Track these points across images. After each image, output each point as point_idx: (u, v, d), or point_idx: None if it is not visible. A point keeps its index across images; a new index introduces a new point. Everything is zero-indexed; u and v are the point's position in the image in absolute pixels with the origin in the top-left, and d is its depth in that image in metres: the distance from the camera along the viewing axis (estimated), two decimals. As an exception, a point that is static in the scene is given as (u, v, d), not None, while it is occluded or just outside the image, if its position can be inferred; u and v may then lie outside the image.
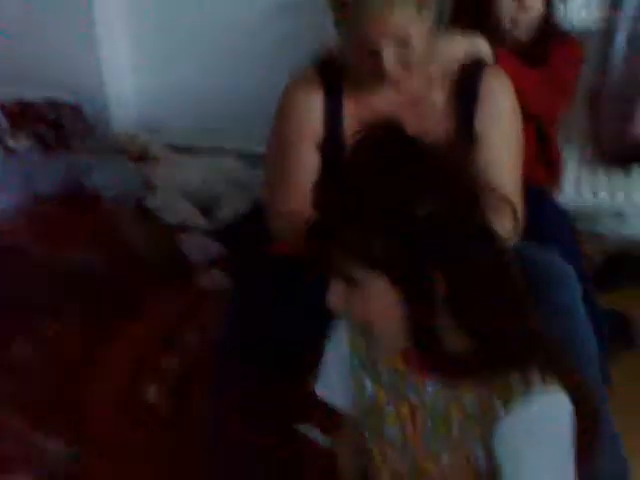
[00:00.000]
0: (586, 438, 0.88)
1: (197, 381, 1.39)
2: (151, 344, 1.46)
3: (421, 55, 1.24)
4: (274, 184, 1.42)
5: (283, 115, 1.41)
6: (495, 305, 0.87)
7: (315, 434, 1.27)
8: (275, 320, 1.28)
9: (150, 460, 1.30)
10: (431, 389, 0.96)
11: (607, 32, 1.91)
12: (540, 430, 0.86)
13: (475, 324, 0.87)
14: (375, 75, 1.27)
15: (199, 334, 1.49)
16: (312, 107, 1.38)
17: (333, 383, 1.10)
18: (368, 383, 1.04)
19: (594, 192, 2.13)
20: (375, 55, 1.22)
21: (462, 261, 0.85)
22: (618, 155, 2.03)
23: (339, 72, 1.38)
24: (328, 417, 1.27)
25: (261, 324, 1.28)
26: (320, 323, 1.18)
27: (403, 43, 1.21)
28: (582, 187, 2.10)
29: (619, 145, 1.99)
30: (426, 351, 0.90)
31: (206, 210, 1.98)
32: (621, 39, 1.88)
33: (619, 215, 2.22)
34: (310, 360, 1.28)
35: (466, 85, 1.33)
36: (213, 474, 1.28)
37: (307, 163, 1.37)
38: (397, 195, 0.83)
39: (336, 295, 0.91)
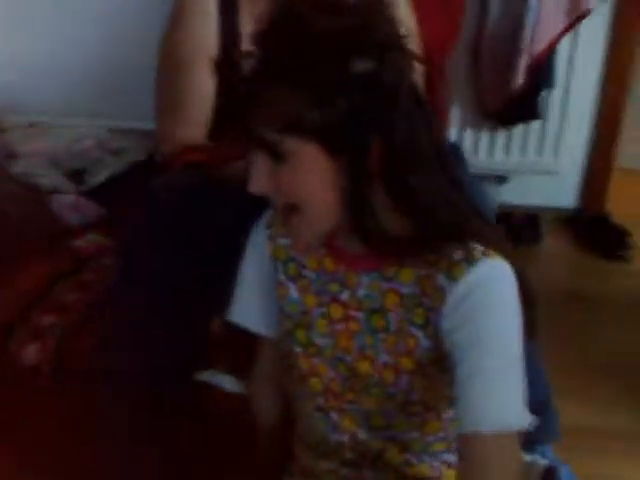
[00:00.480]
0: (526, 312, 0.83)
1: (80, 340, 1.25)
2: (24, 306, 1.29)
3: None
4: (166, 107, 1.32)
5: (172, 35, 1.33)
6: (432, 180, 0.82)
7: (221, 380, 1.17)
8: (171, 262, 1.17)
9: (33, 424, 1.15)
10: (365, 281, 0.90)
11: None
12: (488, 291, 0.82)
13: (412, 200, 0.82)
14: None
15: (78, 294, 1.33)
16: (206, 22, 1.30)
17: (250, 305, 1.03)
18: (294, 291, 0.96)
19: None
20: None
21: (400, 130, 0.79)
22: (500, 113, 2.09)
23: None
24: (236, 357, 1.19)
25: (156, 270, 1.16)
26: (228, 251, 1.10)
27: None
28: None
29: (500, 102, 2.05)
30: (363, 230, 0.84)
31: (79, 176, 1.78)
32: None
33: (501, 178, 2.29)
34: (213, 299, 1.19)
35: None
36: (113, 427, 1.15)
37: (202, 86, 1.29)
38: (327, 50, 0.76)
39: (260, 175, 0.83)
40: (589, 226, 2.30)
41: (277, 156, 0.81)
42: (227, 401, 1.16)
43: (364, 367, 0.91)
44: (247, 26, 1.31)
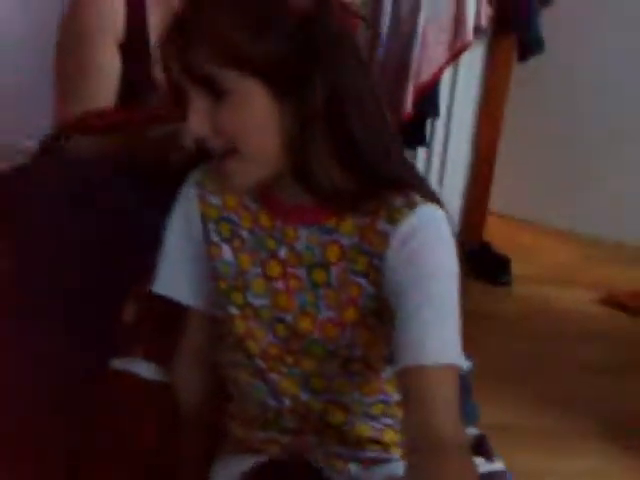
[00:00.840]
0: None
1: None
2: None
3: None
4: (70, 92, 1.23)
5: (77, 9, 1.25)
6: (375, 131, 0.83)
7: (138, 367, 1.05)
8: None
9: None
10: (304, 235, 0.87)
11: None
12: (429, 232, 0.82)
13: (356, 149, 0.81)
14: None
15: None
16: (112, 4, 1.24)
17: (177, 274, 0.96)
18: (227, 252, 0.91)
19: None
20: None
21: (343, 74, 0.80)
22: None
23: None
24: (153, 343, 1.10)
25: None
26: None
27: None
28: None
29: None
30: (306, 176, 0.82)
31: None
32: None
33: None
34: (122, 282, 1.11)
35: None
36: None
37: (110, 65, 1.23)
38: None
39: (199, 115, 0.80)
40: (471, 255, 2.40)
41: (217, 93, 0.79)
42: (145, 388, 1.05)
43: (305, 325, 0.88)
44: (153, 17, 1.27)
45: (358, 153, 0.82)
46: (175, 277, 0.97)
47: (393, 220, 0.82)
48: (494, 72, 2.28)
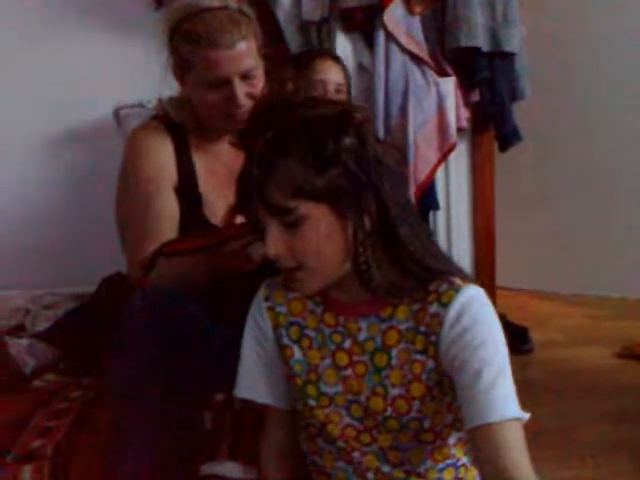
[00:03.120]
0: None
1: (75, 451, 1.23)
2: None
3: (262, 88, 1.40)
4: (137, 236, 1.37)
5: (138, 161, 1.42)
6: (416, 232, 1.01)
7: (226, 469, 1.18)
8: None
9: None
10: (364, 326, 1.04)
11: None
12: (476, 308, 0.98)
13: (403, 250, 0.99)
14: (227, 114, 1.39)
15: (56, 421, 1.31)
16: (165, 152, 1.43)
17: (256, 378, 1.12)
18: (298, 352, 1.08)
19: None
20: (227, 89, 1.36)
21: (386, 190, 0.98)
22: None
23: (179, 126, 1.47)
24: (237, 445, 1.22)
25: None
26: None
27: (249, 74, 1.37)
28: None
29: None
30: (369, 280, 0.99)
31: (19, 331, 1.79)
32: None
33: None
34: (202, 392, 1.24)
35: None
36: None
37: (170, 207, 1.39)
38: (322, 130, 0.96)
39: (274, 241, 0.98)
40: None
41: (291, 221, 0.97)
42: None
43: (377, 403, 1.03)
44: (198, 158, 1.46)
45: (406, 252, 0.99)
46: (254, 381, 1.12)
47: (443, 303, 0.98)
48: (479, 162, 2.52)
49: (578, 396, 2.13)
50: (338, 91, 1.86)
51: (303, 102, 1.01)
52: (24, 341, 1.60)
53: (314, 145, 0.96)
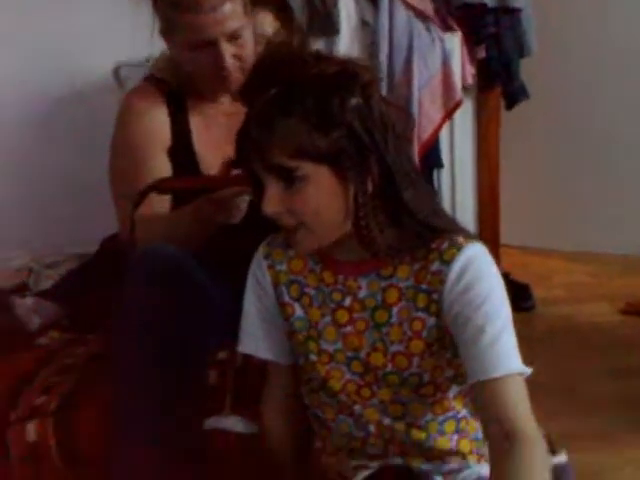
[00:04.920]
0: None
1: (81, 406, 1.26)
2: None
3: (251, 50, 1.38)
4: (126, 193, 1.36)
5: (128, 125, 1.43)
6: (420, 193, 0.99)
7: (230, 423, 1.21)
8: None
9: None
10: (364, 284, 1.04)
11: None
12: (478, 266, 0.98)
13: (406, 212, 0.98)
14: (215, 75, 1.37)
15: (60, 377, 1.34)
16: (158, 115, 1.43)
17: (258, 334, 1.12)
18: (299, 309, 1.08)
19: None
20: (213, 50, 1.34)
21: (390, 151, 0.97)
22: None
23: (174, 87, 1.46)
24: (240, 400, 1.24)
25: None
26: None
27: (235, 35, 1.35)
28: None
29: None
30: (369, 242, 0.98)
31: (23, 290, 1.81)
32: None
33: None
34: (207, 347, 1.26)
35: None
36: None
37: (161, 166, 1.40)
38: (327, 89, 0.94)
39: (273, 199, 0.97)
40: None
41: (290, 180, 0.95)
42: (240, 443, 1.20)
43: (377, 359, 1.03)
44: (194, 119, 1.45)
45: (410, 215, 0.98)
46: (256, 337, 1.12)
47: (445, 261, 0.98)
48: (485, 121, 2.50)
49: (579, 351, 2.15)
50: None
51: (308, 58, 0.98)
52: (29, 300, 1.61)
53: (318, 105, 0.94)
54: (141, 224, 1.27)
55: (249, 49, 1.39)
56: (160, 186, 1.21)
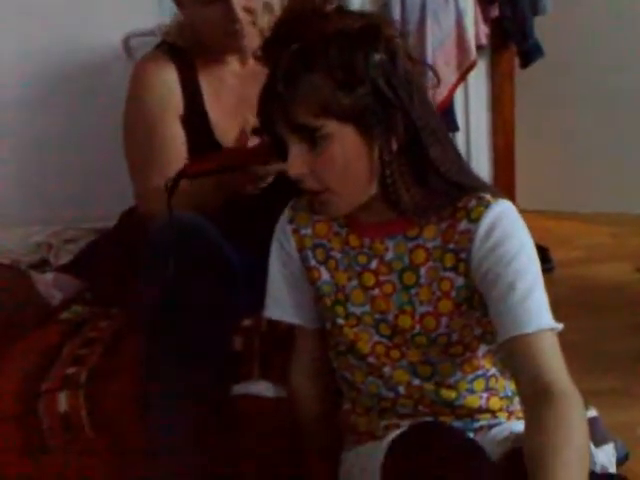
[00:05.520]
0: None
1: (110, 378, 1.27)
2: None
3: (262, 4, 1.35)
4: (143, 165, 1.38)
5: (141, 93, 1.42)
6: (445, 150, 0.98)
7: (258, 388, 1.22)
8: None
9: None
10: (391, 246, 1.03)
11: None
12: (507, 223, 0.97)
13: (433, 170, 0.96)
14: (227, 31, 1.35)
15: (88, 349, 1.35)
16: (169, 81, 1.42)
17: (284, 299, 1.12)
18: (325, 273, 1.07)
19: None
20: (224, 4, 1.32)
21: (415, 108, 0.95)
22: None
23: (185, 52, 1.44)
24: (267, 366, 1.26)
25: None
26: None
27: None
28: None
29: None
30: (397, 201, 0.97)
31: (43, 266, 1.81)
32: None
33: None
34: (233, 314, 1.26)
35: None
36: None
37: (176, 135, 1.39)
38: (351, 44, 0.92)
39: (297, 160, 0.96)
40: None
41: (314, 141, 0.94)
42: (270, 407, 1.21)
43: (405, 321, 1.03)
44: (205, 81, 1.44)
45: (437, 172, 0.97)
46: (283, 302, 1.12)
47: (472, 219, 0.97)
48: (499, 82, 2.48)
49: (601, 310, 2.15)
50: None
51: (331, 13, 0.96)
52: (49, 275, 1.63)
53: (342, 60, 0.92)
54: (160, 196, 1.24)
55: (260, 2, 1.36)
56: (189, 172, 1.19)
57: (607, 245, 2.71)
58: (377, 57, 0.93)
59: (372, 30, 0.94)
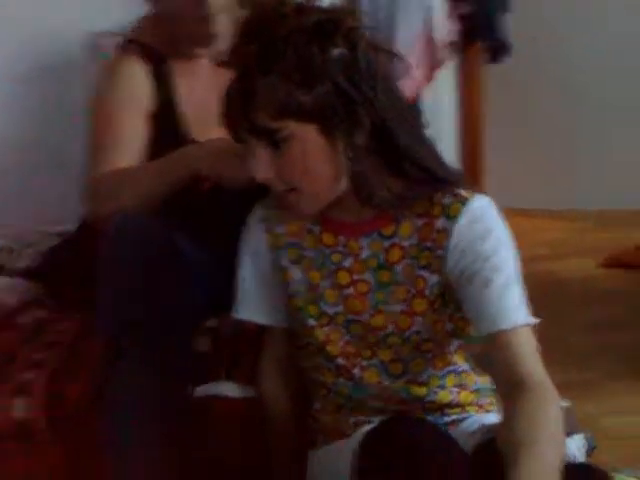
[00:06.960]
0: None
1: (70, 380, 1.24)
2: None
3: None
4: (94, 159, 1.34)
5: (104, 87, 1.40)
6: (417, 139, 0.97)
7: (223, 388, 1.19)
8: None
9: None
10: (366, 244, 1.02)
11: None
12: (485, 220, 0.96)
13: (405, 160, 0.95)
14: (198, 18, 1.31)
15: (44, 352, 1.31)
16: (136, 77, 1.38)
17: (253, 299, 1.10)
18: (297, 272, 1.06)
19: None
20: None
21: (381, 101, 0.93)
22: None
23: (154, 49, 1.40)
24: (231, 366, 1.24)
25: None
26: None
27: None
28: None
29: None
30: (368, 197, 0.96)
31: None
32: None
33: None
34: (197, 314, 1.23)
35: None
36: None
37: (136, 129, 1.36)
38: (306, 42, 0.90)
39: (262, 164, 0.94)
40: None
41: (277, 142, 0.92)
42: (234, 407, 1.18)
43: (379, 321, 1.02)
44: (177, 77, 1.41)
45: (410, 160, 0.95)
46: (252, 302, 1.10)
47: (450, 217, 0.96)
48: (468, 78, 2.47)
49: (567, 305, 2.18)
50: None
51: (289, 12, 0.93)
52: (5, 280, 1.57)
53: (298, 59, 0.90)
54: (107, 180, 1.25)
55: None
56: None
57: (569, 241, 2.75)
58: (336, 52, 0.91)
59: (329, 24, 0.92)
